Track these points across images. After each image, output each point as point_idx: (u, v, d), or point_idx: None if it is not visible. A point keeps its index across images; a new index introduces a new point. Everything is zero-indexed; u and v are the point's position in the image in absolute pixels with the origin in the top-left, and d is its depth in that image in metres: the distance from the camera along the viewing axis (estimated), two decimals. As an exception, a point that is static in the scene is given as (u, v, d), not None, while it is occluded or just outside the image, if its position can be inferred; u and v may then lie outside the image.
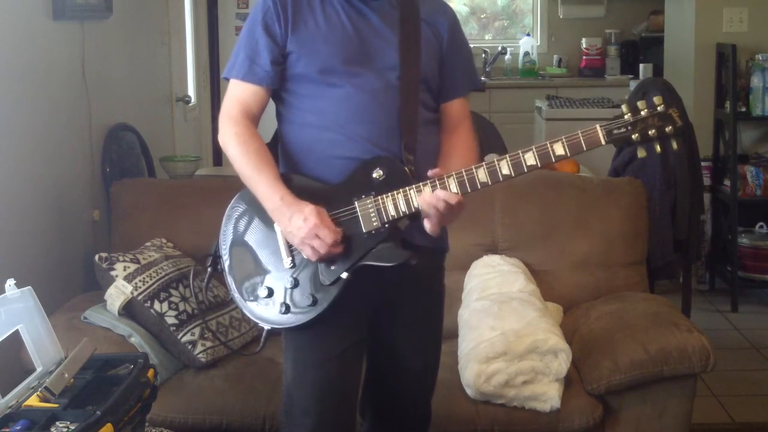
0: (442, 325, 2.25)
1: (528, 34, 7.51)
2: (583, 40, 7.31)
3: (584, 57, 7.31)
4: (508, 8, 7.89)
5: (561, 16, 7.43)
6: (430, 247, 2.09)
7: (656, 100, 1.86)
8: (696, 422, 2.74)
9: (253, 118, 2.04)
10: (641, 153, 1.89)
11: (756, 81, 4.71)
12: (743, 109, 4.80)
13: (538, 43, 7.51)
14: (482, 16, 7.87)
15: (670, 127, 1.85)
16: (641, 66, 6.49)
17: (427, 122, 2.07)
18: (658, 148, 1.88)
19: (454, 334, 2.78)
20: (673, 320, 2.67)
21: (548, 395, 2.52)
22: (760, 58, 4.75)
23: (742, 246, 4.77)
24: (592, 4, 7.33)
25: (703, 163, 4.47)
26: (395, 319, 2.14)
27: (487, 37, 7.77)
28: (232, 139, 2.00)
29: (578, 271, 3.06)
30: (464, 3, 7.65)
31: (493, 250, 3.10)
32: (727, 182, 4.84)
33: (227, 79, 2.06)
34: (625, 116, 1.87)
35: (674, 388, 2.58)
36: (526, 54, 7.33)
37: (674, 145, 1.88)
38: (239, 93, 2.03)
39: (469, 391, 2.57)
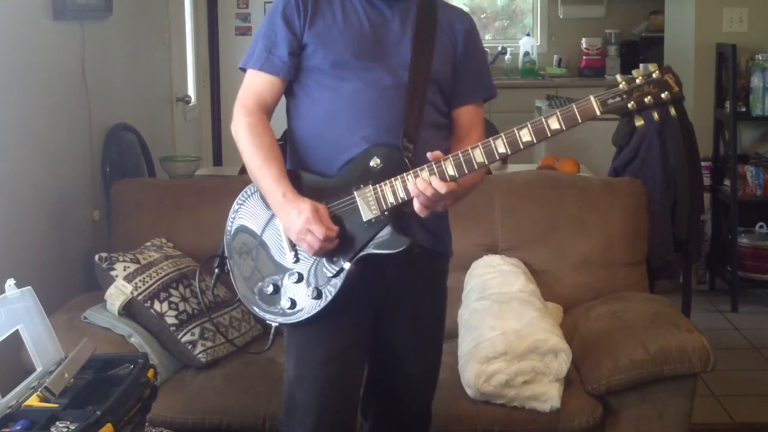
0: (443, 327, 2.25)
1: (528, 34, 7.51)
2: (583, 40, 7.31)
3: (584, 57, 7.30)
4: (508, 8, 7.89)
5: (561, 16, 7.42)
6: (433, 250, 2.09)
7: (651, 66, 1.84)
8: (696, 422, 2.73)
9: (268, 109, 2.05)
10: (638, 122, 1.86)
11: (756, 81, 4.71)
12: (743, 109, 4.80)
13: (538, 43, 7.51)
14: (482, 16, 7.87)
15: (667, 93, 1.82)
16: (641, 66, 6.48)
17: (438, 126, 2.08)
18: (656, 116, 1.85)
19: (454, 334, 2.78)
20: (673, 320, 2.67)
21: (548, 395, 2.52)
22: (760, 58, 4.75)
23: (742, 246, 4.77)
24: (592, 4, 7.33)
25: (703, 163, 4.46)
26: (397, 321, 2.14)
27: (487, 37, 7.76)
28: (245, 129, 2.01)
29: (578, 271, 3.06)
30: (464, 3, 7.64)
31: (493, 250, 3.10)
32: (727, 182, 4.84)
33: (243, 70, 2.07)
34: (620, 85, 1.84)
35: (674, 388, 2.58)
36: (526, 54, 7.32)
37: (672, 112, 1.86)
38: (256, 83, 2.04)
39: (469, 391, 2.57)
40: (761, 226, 4.87)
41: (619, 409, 2.60)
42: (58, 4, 3.17)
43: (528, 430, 2.55)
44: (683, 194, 3.86)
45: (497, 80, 7.08)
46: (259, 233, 2.05)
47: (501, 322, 2.64)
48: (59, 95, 3.24)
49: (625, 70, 7.09)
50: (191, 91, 5.58)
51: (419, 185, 1.89)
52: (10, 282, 1.98)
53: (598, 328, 2.73)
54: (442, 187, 1.89)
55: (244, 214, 2.08)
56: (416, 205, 1.93)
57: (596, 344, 2.66)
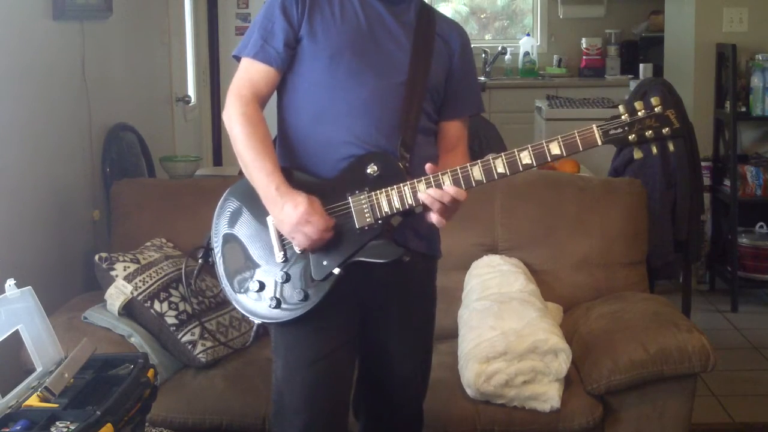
0: (433, 328, 2.25)
1: (528, 34, 7.51)
2: (583, 40, 7.32)
3: (584, 57, 7.31)
4: (508, 8, 7.89)
5: (561, 16, 7.43)
6: (423, 252, 2.09)
7: (654, 101, 1.86)
8: (696, 422, 2.73)
9: (262, 100, 2.03)
10: (638, 154, 1.89)
11: (756, 81, 4.71)
12: (743, 109, 4.79)
13: (538, 43, 7.51)
14: (482, 16, 7.87)
15: (667, 129, 1.85)
16: (641, 66, 6.49)
17: (428, 131, 2.08)
18: (655, 150, 1.89)
19: (454, 334, 2.78)
20: (673, 320, 2.67)
21: (548, 395, 2.52)
22: (760, 58, 4.75)
23: (742, 246, 4.77)
24: (592, 4, 7.33)
25: (703, 163, 4.46)
26: (386, 322, 2.14)
27: (487, 37, 7.77)
28: (239, 119, 1.98)
29: (578, 271, 3.06)
30: (464, 3, 7.65)
31: (493, 250, 3.10)
32: (727, 182, 4.84)
33: (237, 58, 2.06)
34: (622, 116, 1.87)
35: (674, 388, 2.58)
36: (526, 54, 7.33)
37: (671, 147, 1.89)
38: (251, 72, 2.02)
39: (469, 391, 2.57)
40: (761, 226, 4.87)
41: (619, 409, 2.60)
42: (58, 4, 3.17)
43: (528, 430, 2.55)
44: (683, 194, 3.86)
45: (497, 80, 7.13)
46: (246, 230, 2.04)
47: (501, 322, 2.64)
48: (59, 95, 3.24)
49: (625, 70, 7.10)
50: (191, 91, 5.59)
51: (433, 193, 1.90)
52: (10, 282, 1.98)
53: (598, 328, 2.73)
54: (460, 194, 1.90)
55: (233, 209, 2.07)
56: (434, 217, 1.94)
57: (596, 344, 2.65)
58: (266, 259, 2.01)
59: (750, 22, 4.97)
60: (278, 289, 1.98)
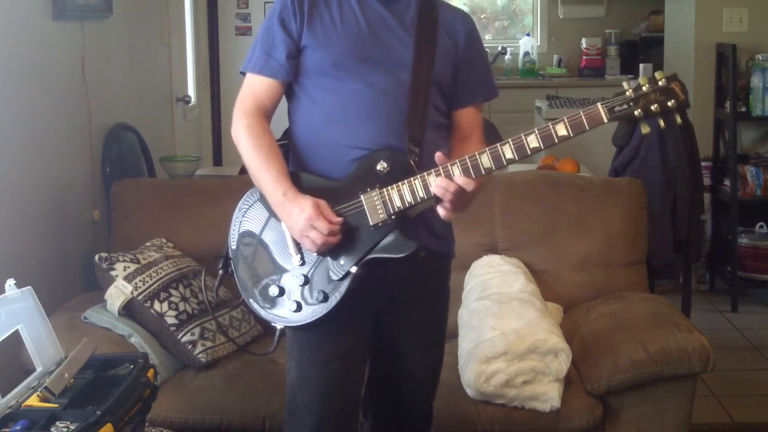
0: (445, 328, 2.25)
1: (528, 34, 7.51)
2: (583, 40, 7.31)
3: (584, 57, 7.30)
4: (508, 8, 7.89)
5: (561, 16, 7.42)
6: (437, 251, 2.09)
7: (657, 74, 1.86)
8: (696, 422, 2.73)
9: (267, 112, 2.06)
10: (645, 129, 1.87)
11: (756, 81, 4.71)
12: (743, 109, 4.80)
13: (538, 43, 7.51)
14: (482, 16, 7.87)
15: (673, 101, 1.84)
16: (641, 66, 6.48)
17: (439, 126, 2.08)
18: (662, 123, 1.87)
19: (454, 334, 2.78)
20: (673, 320, 2.67)
21: (548, 395, 2.52)
22: (760, 58, 4.75)
23: (742, 246, 4.77)
24: (592, 4, 7.33)
25: (703, 163, 4.46)
26: (399, 321, 2.14)
27: (487, 37, 7.76)
28: (244, 131, 2.02)
29: (578, 271, 3.06)
30: (464, 3, 7.64)
31: (493, 250, 3.10)
32: (727, 182, 4.84)
33: (243, 74, 2.09)
34: (627, 92, 1.85)
35: (674, 388, 2.58)
36: (526, 54, 7.32)
37: (678, 120, 1.87)
38: (254, 86, 2.05)
39: (469, 391, 2.57)
40: (761, 226, 4.87)
41: (619, 409, 2.60)
42: (58, 4, 3.17)
43: (528, 430, 2.55)
44: (683, 194, 3.86)
45: (497, 80, 7.07)
46: (264, 236, 2.05)
47: (501, 322, 2.64)
48: (59, 95, 3.24)
49: (625, 70, 7.09)
50: (191, 91, 5.59)
51: (441, 183, 1.89)
52: (10, 282, 1.98)
53: (598, 328, 2.73)
54: (469, 184, 1.89)
55: (250, 216, 2.08)
56: (441, 211, 1.94)
57: (596, 344, 2.66)
58: (284, 264, 2.01)
59: (750, 22, 4.97)
60: (298, 292, 1.99)
